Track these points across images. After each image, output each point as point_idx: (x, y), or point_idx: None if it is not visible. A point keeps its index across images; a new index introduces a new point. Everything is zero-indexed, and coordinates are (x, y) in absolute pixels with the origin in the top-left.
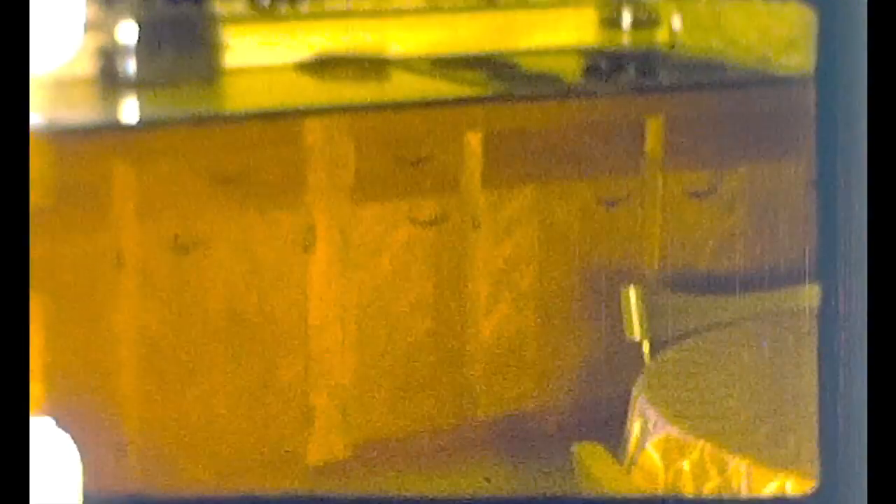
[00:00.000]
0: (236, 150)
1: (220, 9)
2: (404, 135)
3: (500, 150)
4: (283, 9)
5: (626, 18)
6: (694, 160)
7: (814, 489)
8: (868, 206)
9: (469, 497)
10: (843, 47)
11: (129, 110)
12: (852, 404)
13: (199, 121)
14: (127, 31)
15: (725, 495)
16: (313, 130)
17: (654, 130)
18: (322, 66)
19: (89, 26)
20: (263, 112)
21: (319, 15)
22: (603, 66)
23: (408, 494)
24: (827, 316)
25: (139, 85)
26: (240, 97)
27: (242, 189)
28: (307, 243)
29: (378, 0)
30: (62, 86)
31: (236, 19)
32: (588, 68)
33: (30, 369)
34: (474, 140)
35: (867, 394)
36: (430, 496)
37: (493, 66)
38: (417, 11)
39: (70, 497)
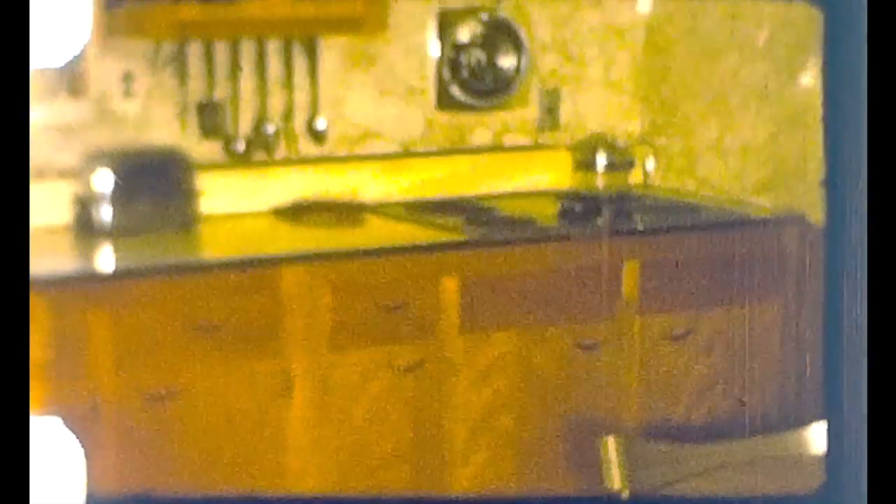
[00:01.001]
0: (213, 298)
1: (195, 156)
2: (381, 281)
3: (478, 296)
4: (258, 154)
5: (601, 160)
6: (670, 303)
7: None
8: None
9: (469, 497)
10: (847, 49)
11: (105, 259)
12: (854, 404)
13: (175, 269)
14: (102, 180)
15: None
16: (290, 278)
17: (630, 273)
18: (298, 211)
19: (64, 174)
20: (240, 260)
21: (294, 160)
22: (578, 209)
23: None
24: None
25: (115, 233)
26: (216, 245)
27: (219, 338)
28: (285, 391)
29: (352, 144)
30: (37, 235)
31: (211, 166)
32: (563, 211)
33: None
34: (451, 286)
35: (867, 394)
36: (431, 496)
37: (468, 210)
38: (392, 156)
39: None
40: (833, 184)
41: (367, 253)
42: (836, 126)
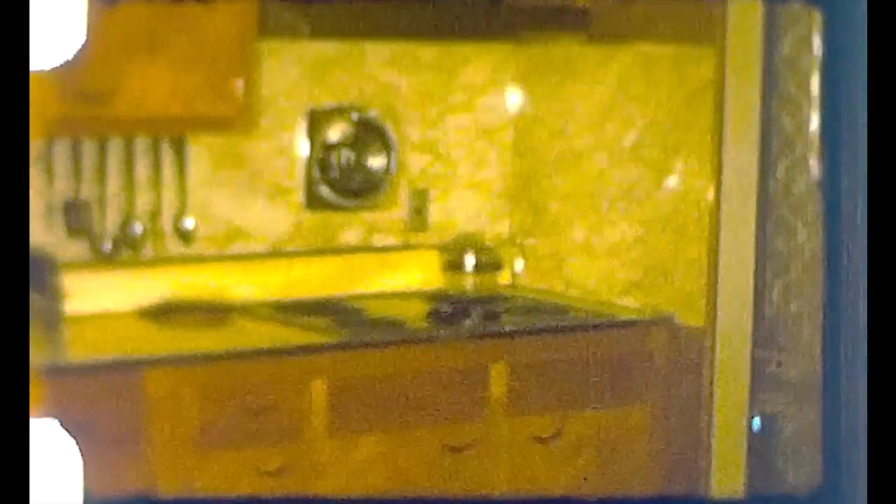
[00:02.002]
0: (77, 401)
1: (60, 255)
2: (249, 383)
3: (346, 398)
4: (125, 254)
5: (469, 261)
6: (539, 405)
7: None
8: None
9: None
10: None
11: None
12: (853, 404)
13: (39, 372)
14: None
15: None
16: (156, 380)
17: (497, 375)
18: (164, 312)
19: None
20: (104, 362)
21: (161, 260)
22: (446, 310)
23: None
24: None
25: None
26: (81, 346)
27: (82, 442)
28: (150, 496)
29: (221, 244)
30: None
31: (77, 265)
32: (432, 313)
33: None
34: (319, 388)
35: (867, 393)
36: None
37: (337, 311)
38: (261, 256)
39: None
40: (830, 187)
41: (235, 355)
42: (834, 133)
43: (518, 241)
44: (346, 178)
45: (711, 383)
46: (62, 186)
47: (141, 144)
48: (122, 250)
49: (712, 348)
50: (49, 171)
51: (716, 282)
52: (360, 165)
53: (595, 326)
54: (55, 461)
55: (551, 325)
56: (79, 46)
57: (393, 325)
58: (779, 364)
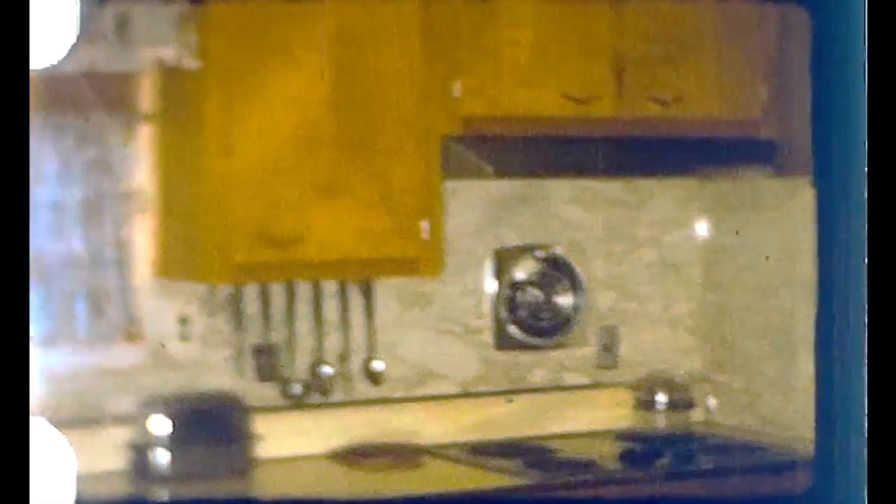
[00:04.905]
0: None
1: (251, 399)
2: None
3: None
4: (315, 397)
5: (661, 399)
6: None
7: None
8: None
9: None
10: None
11: None
12: (850, 399)
13: None
14: (158, 425)
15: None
16: None
17: None
18: (354, 455)
19: (119, 420)
20: None
21: (351, 403)
22: (639, 450)
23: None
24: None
25: (171, 479)
26: (272, 490)
27: None
28: None
29: (410, 386)
30: (92, 481)
31: (268, 409)
32: (624, 453)
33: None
34: None
35: (867, 391)
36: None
37: (527, 452)
38: (450, 397)
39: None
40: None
41: (427, 499)
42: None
43: (710, 377)
44: (534, 317)
45: None
46: (251, 330)
47: (328, 287)
48: (312, 393)
49: None
50: (238, 315)
51: None
52: (547, 303)
53: (793, 465)
54: (51, 460)
55: (748, 464)
56: None
57: (585, 465)
58: None
